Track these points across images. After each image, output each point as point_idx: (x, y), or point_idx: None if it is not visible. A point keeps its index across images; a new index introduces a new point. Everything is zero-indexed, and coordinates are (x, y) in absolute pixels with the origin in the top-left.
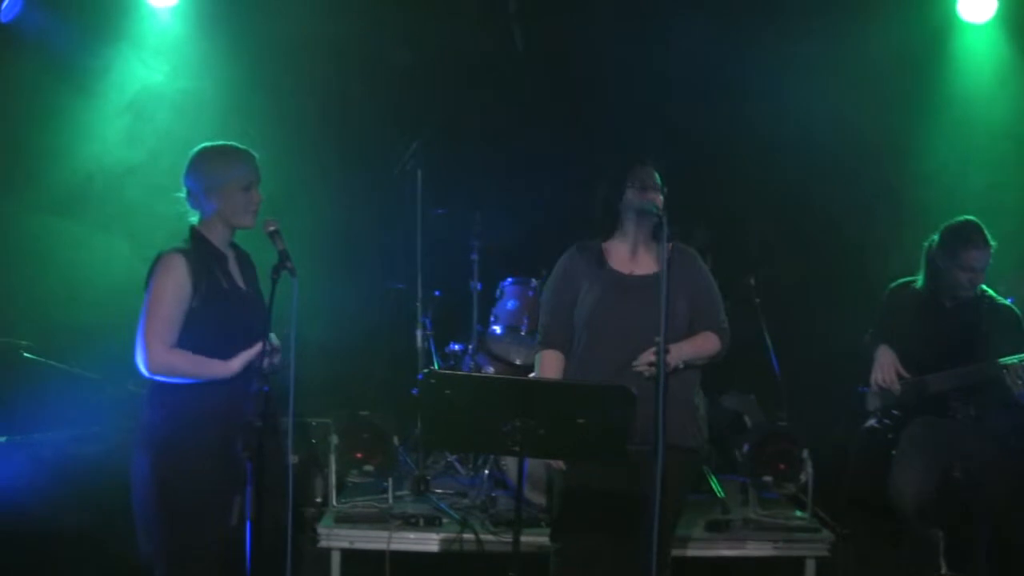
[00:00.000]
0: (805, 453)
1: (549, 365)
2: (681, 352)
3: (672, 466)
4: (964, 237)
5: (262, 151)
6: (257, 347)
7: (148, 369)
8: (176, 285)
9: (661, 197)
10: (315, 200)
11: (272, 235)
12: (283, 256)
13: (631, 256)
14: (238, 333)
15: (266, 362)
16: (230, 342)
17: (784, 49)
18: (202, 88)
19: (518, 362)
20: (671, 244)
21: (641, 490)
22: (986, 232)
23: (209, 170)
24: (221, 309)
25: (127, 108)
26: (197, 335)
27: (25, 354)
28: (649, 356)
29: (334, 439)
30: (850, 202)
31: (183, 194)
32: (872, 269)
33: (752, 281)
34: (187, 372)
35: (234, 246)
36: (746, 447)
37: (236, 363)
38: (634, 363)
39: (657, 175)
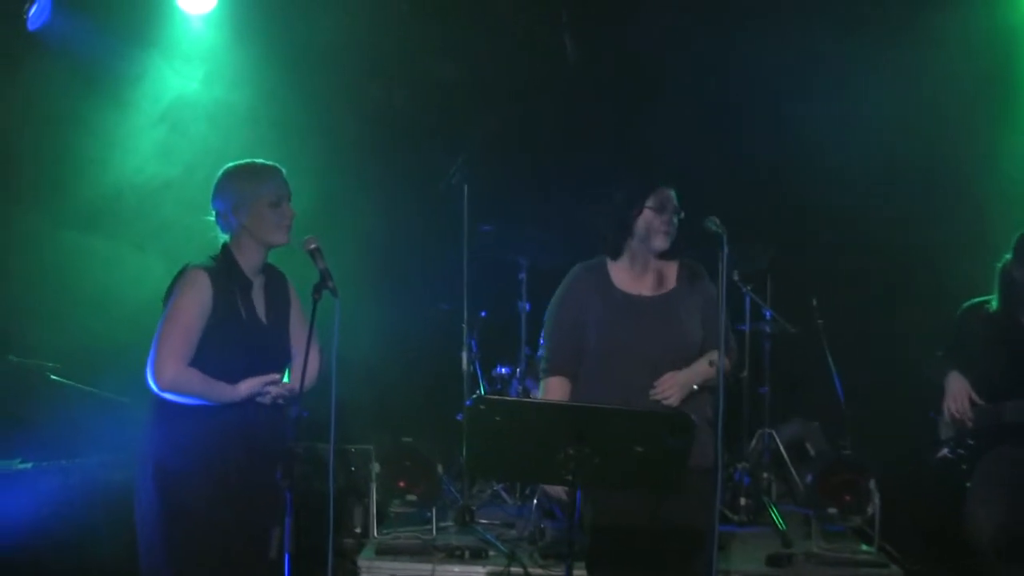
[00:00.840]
0: (872, 483)
1: (556, 392)
2: (691, 376)
3: (698, 487)
4: None
5: (301, 164)
6: (268, 376)
7: (159, 385)
8: (199, 301)
9: (676, 219)
10: (357, 216)
11: (313, 253)
12: (324, 275)
13: (637, 276)
14: (240, 366)
15: (269, 393)
16: (231, 373)
17: (850, 55)
18: (238, 99)
19: None
20: (678, 262)
21: (672, 515)
22: None
23: (235, 189)
24: (230, 338)
25: (161, 119)
26: (204, 358)
27: (52, 376)
28: (667, 383)
29: (375, 467)
30: (920, 216)
31: (212, 217)
32: (944, 288)
33: (814, 302)
34: (198, 393)
35: (268, 270)
36: (809, 477)
37: (243, 388)
38: (652, 391)
39: (675, 196)
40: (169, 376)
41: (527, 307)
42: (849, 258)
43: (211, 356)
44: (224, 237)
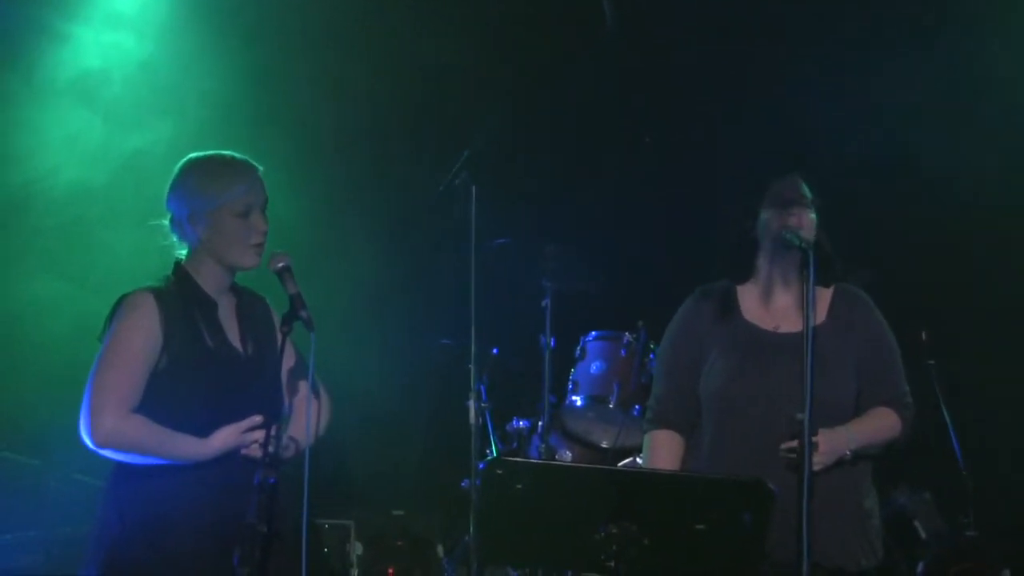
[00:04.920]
0: (1006, 574)
1: (662, 450)
2: (846, 439)
3: None
4: None
5: (270, 164)
6: (249, 421)
7: (94, 440)
8: (143, 331)
9: (811, 216)
10: (337, 228)
11: (281, 274)
12: (296, 302)
13: (773, 305)
14: (221, 409)
15: (255, 443)
16: (210, 419)
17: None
18: (188, 82)
19: (605, 444)
20: (833, 288)
21: None
22: None
23: (193, 190)
24: (197, 374)
25: (82, 103)
26: (163, 406)
27: None
28: (825, 439)
29: (356, 547)
30: None
31: (166, 220)
32: None
33: (924, 336)
34: (148, 447)
35: (238, 291)
36: (920, 566)
37: (216, 442)
38: (782, 447)
39: (806, 187)
40: (107, 427)
41: (552, 343)
42: (971, 283)
43: (170, 402)
44: (181, 251)
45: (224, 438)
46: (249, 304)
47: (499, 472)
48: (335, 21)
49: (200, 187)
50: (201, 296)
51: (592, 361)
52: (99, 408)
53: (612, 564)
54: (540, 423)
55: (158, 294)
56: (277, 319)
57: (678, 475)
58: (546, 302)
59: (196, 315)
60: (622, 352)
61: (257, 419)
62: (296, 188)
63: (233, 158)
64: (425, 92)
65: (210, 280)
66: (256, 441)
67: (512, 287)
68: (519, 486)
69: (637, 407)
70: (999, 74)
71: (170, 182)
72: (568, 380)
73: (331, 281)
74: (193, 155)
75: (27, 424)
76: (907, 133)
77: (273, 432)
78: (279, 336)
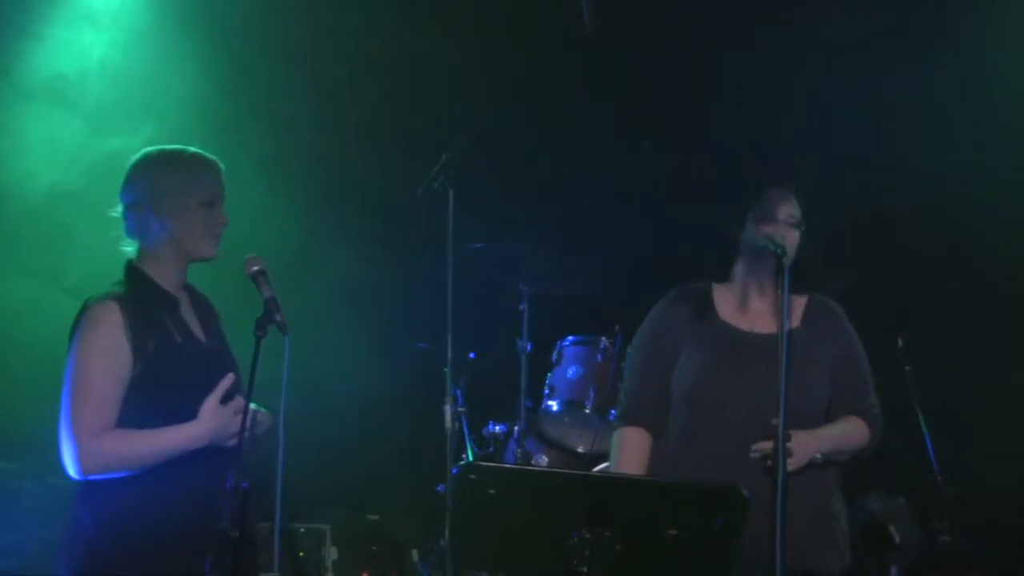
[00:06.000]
0: None
1: (631, 449)
2: (816, 443)
3: None
4: None
5: (242, 164)
6: (222, 386)
7: (83, 470)
8: (110, 348)
9: (796, 234)
10: (311, 231)
11: (256, 278)
12: (271, 306)
13: (750, 308)
14: (201, 400)
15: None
16: (189, 416)
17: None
18: (161, 80)
19: (581, 449)
20: (808, 297)
21: None
22: None
23: (157, 180)
24: (177, 373)
25: (56, 103)
26: (146, 413)
27: None
28: (797, 441)
29: (332, 552)
30: None
31: (118, 213)
32: None
33: (900, 343)
34: (136, 455)
35: (189, 288)
36: (895, 571)
37: (206, 413)
38: (752, 449)
39: (796, 202)
40: (90, 454)
41: (529, 347)
42: (948, 289)
43: (152, 407)
44: (130, 249)
45: (209, 408)
46: (202, 302)
47: (472, 477)
48: (316, 21)
49: (168, 177)
50: (163, 295)
51: (569, 366)
52: (78, 437)
53: (585, 570)
54: (516, 428)
55: (122, 301)
56: (220, 317)
57: (651, 480)
58: (523, 306)
59: (162, 315)
60: (599, 357)
61: (228, 381)
62: (275, 190)
63: (196, 153)
64: (405, 94)
65: (168, 277)
66: (238, 412)
67: (490, 291)
68: (492, 491)
69: (613, 412)
70: (978, 78)
71: (129, 173)
72: (545, 385)
73: (308, 285)
74: (153, 148)
75: (2, 428)
76: (885, 138)
77: (248, 413)
78: (255, 338)
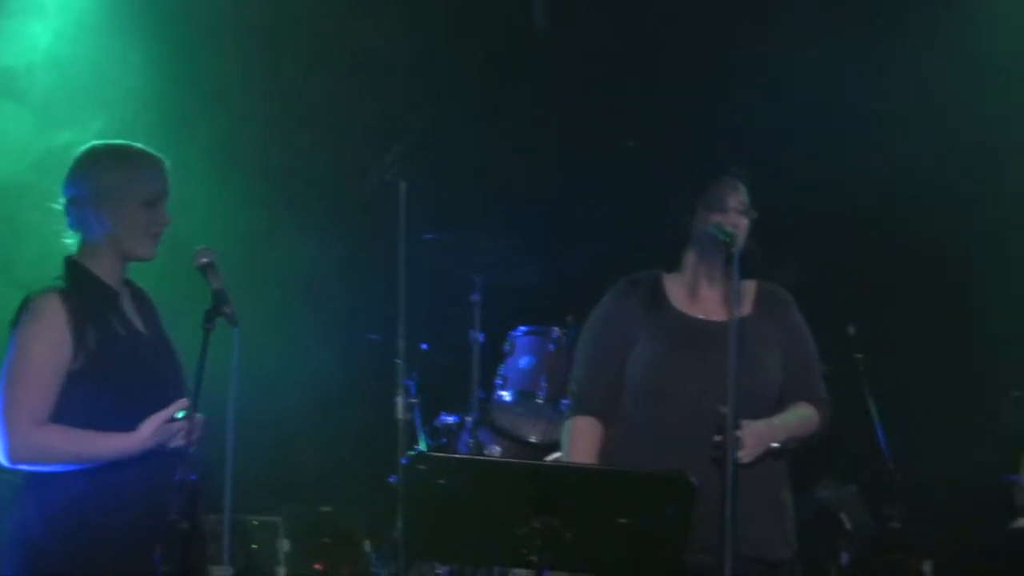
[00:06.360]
0: (927, 565)
1: (582, 438)
2: (771, 432)
3: None
4: None
5: (188, 158)
6: (178, 404)
7: (9, 457)
8: (51, 340)
9: (745, 221)
10: (260, 224)
11: (205, 269)
12: (220, 298)
13: (700, 296)
14: (147, 396)
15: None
16: (136, 410)
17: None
18: (106, 72)
19: (533, 439)
20: (756, 284)
21: None
22: None
23: (100, 176)
24: (119, 367)
25: (7, 97)
26: (85, 407)
27: None
28: (747, 432)
29: (284, 544)
30: (989, 227)
31: (60, 206)
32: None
33: (852, 330)
34: (70, 454)
35: (127, 282)
36: (845, 557)
37: (147, 430)
38: (716, 439)
39: (745, 191)
40: (22, 442)
41: (481, 338)
42: (899, 278)
43: (95, 401)
44: (71, 242)
45: (152, 426)
46: (140, 296)
47: (421, 467)
48: (266, 11)
49: (111, 173)
50: (104, 289)
51: (521, 356)
52: (10, 426)
53: (535, 559)
54: (469, 418)
55: (64, 294)
56: (160, 312)
57: (599, 469)
58: (476, 297)
59: (103, 309)
60: (551, 347)
61: (183, 402)
62: (225, 181)
63: (141, 149)
64: (357, 85)
65: (108, 271)
66: (181, 429)
67: (442, 282)
68: (441, 481)
69: (565, 402)
70: (924, 70)
71: (72, 166)
72: (497, 375)
73: (259, 276)
74: (98, 142)
75: None
76: (833, 130)
77: (193, 419)
78: (204, 330)
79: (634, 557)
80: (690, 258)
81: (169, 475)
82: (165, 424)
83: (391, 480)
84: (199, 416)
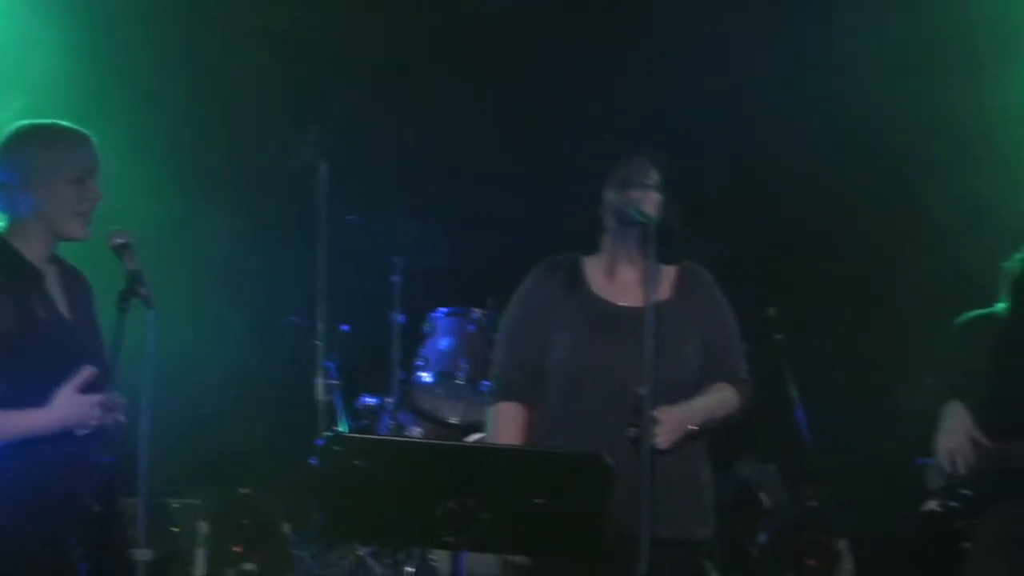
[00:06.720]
0: (843, 544)
1: (506, 424)
2: (689, 416)
3: (668, 566)
4: None
5: (112, 134)
6: (80, 376)
7: None
8: None
9: (656, 196)
10: (186, 205)
11: (120, 250)
12: (135, 278)
13: (619, 280)
14: (59, 379)
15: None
16: (47, 391)
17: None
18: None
19: (453, 420)
20: (679, 265)
21: None
22: None
23: (27, 156)
24: (37, 348)
25: None
26: (1, 387)
27: None
28: (662, 418)
29: (203, 527)
30: (910, 211)
31: None
32: (940, 298)
33: (772, 311)
34: None
35: (58, 261)
36: (763, 536)
37: (59, 403)
38: (630, 428)
39: (654, 170)
40: None
41: (402, 319)
42: (818, 259)
43: (4, 384)
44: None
45: (64, 399)
46: (71, 275)
47: (336, 448)
48: None
49: (37, 153)
50: (27, 267)
51: (441, 337)
52: None
53: (452, 539)
54: (390, 400)
55: None
56: (93, 291)
57: (515, 449)
58: (396, 278)
59: (24, 287)
60: (471, 328)
61: (87, 372)
62: (143, 162)
63: (68, 127)
64: (277, 65)
65: (35, 250)
66: (96, 404)
67: (362, 264)
68: (357, 462)
69: (485, 383)
70: (840, 56)
71: None
72: (418, 356)
73: (176, 257)
74: (24, 122)
75: None
76: (753, 113)
77: (109, 398)
78: (119, 311)
79: (551, 538)
80: (607, 240)
81: (81, 455)
82: (78, 396)
83: (311, 462)
84: (116, 396)
